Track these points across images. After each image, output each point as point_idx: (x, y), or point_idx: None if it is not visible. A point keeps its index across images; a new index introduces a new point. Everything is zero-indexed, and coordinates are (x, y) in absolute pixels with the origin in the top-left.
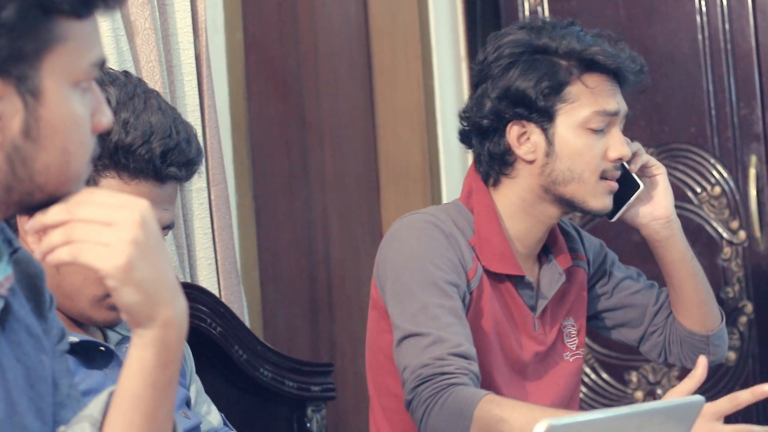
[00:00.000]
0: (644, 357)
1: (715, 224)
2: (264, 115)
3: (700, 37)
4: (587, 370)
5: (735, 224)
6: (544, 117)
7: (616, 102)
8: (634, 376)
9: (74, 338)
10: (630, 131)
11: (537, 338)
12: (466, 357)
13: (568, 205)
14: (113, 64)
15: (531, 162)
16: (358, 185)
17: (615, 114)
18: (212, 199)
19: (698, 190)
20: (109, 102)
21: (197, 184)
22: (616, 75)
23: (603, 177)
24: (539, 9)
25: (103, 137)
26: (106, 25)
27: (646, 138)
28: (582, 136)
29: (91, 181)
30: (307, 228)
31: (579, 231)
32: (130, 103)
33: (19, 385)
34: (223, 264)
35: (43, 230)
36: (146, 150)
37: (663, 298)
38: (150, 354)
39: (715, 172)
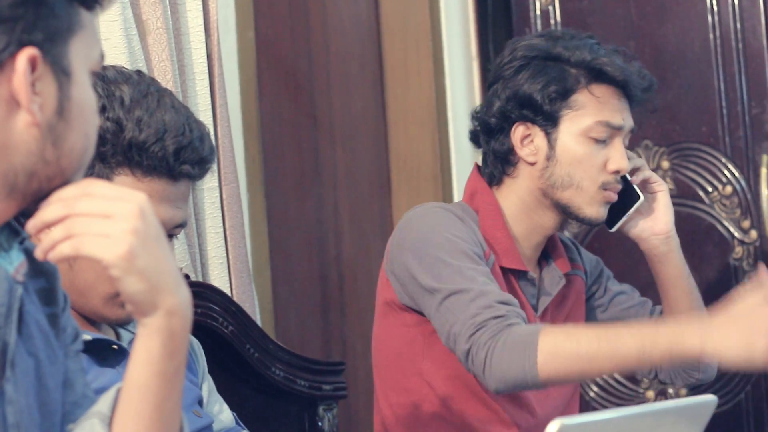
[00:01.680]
0: None
1: (726, 224)
2: (275, 114)
3: (711, 36)
4: None
5: (746, 223)
6: (549, 121)
7: (621, 117)
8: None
9: (87, 336)
10: (641, 131)
11: None
12: (512, 304)
13: (563, 211)
14: (125, 63)
15: (532, 164)
16: (370, 184)
17: (618, 128)
18: (224, 198)
19: (709, 189)
20: (122, 100)
21: (209, 183)
22: (624, 89)
23: (603, 188)
24: (550, 9)
25: (117, 134)
26: (117, 24)
27: (657, 137)
28: (583, 144)
29: (105, 178)
30: (318, 227)
31: (576, 245)
32: (144, 101)
33: (29, 377)
34: (235, 263)
35: (45, 229)
36: (159, 147)
37: (656, 315)
38: (156, 343)
39: (726, 172)
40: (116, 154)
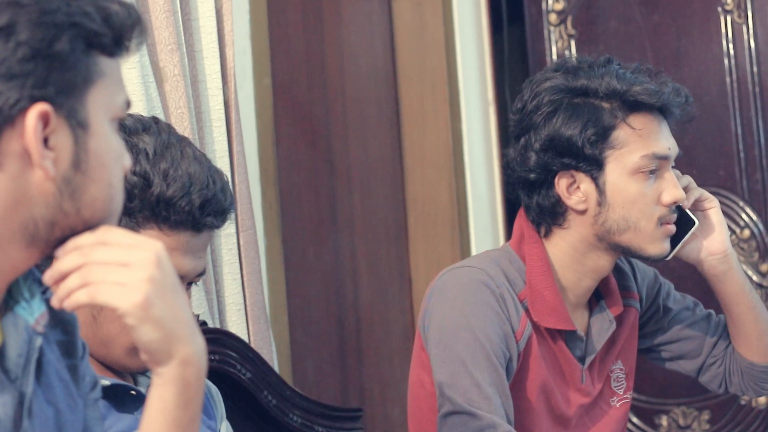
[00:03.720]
0: (674, 400)
1: (744, 267)
2: (292, 160)
3: (728, 80)
4: None
5: (765, 267)
6: (593, 165)
7: (666, 146)
8: (664, 420)
9: (105, 382)
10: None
11: (583, 390)
12: None
13: (623, 252)
14: (142, 111)
15: (582, 212)
16: (387, 230)
17: (666, 158)
18: (241, 244)
19: None
20: (146, 151)
21: (226, 229)
22: (662, 112)
23: (660, 223)
24: (566, 53)
25: (144, 190)
26: (135, 71)
27: None
28: (634, 182)
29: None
30: (335, 273)
31: (632, 265)
32: (168, 152)
33: (48, 427)
34: (252, 309)
35: (62, 279)
36: (186, 202)
37: (721, 328)
38: (170, 393)
39: (744, 215)
40: (144, 209)
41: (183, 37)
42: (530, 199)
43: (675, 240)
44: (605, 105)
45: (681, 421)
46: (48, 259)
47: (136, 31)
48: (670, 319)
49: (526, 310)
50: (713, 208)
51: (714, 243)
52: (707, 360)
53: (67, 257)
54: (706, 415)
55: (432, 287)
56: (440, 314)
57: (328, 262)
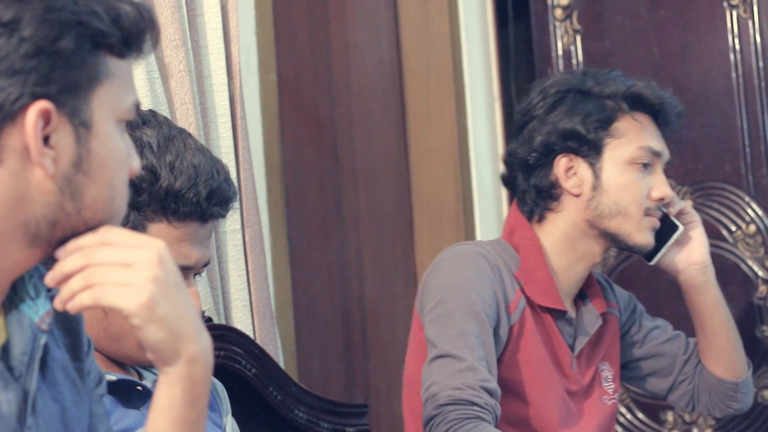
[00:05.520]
0: None
1: (750, 262)
2: (298, 156)
3: (734, 74)
4: (623, 409)
5: None
6: (592, 150)
7: (660, 144)
8: (669, 416)
9: (112, 377)
10: (664, 169)
11: (572, 377)
12: (493, 395)
13: (611, 239)
14: (148, 106)
15: (577, 195)
16: (392, 225)
17: (659, 154)
18: (246, 240)
19: (733, 228)
20: (150, 145)
21: (231, 225)
22: (659, 116)
23: (646, 214)
24: (572, 48)
25: (152, 183)
26: (140, 67)
27: (681, 176)
28: (628, 171)
29: (139, 226)
30: (341, 269)
31: (609, 282)
32: (172, 145)
33: (54, 424)
34: (258, 305)
35: (64, 280)
36: (194, 193)
37: (692, 347)
38: (177, 391)
39: (750, 210)
40: (152, 202)
41: (188, 33)
42: (528, 183)
43: (659, 244)
44: (609, 102)
45: (687, 417)
46: (52, 259)
47: (148, 32)
48: (646, 335)
49: (521, 288)
50: (695, 221)
51: (695, 254)
52: (678, 377)
53: (69, 259)
54: None
55: (430, 266)
56: (436, 280)
57: (334, 257)
